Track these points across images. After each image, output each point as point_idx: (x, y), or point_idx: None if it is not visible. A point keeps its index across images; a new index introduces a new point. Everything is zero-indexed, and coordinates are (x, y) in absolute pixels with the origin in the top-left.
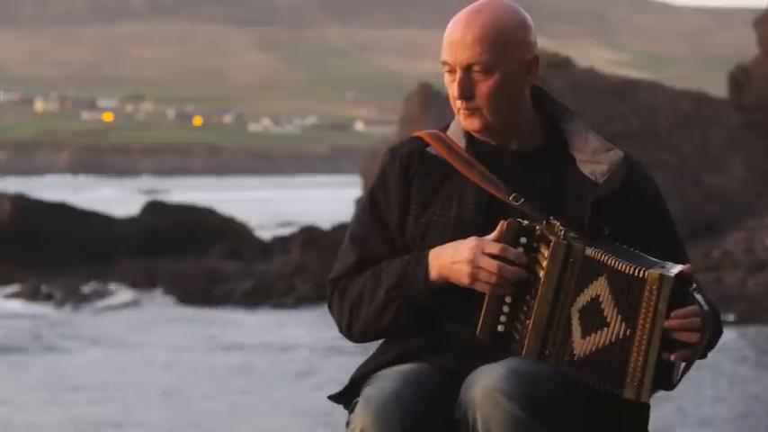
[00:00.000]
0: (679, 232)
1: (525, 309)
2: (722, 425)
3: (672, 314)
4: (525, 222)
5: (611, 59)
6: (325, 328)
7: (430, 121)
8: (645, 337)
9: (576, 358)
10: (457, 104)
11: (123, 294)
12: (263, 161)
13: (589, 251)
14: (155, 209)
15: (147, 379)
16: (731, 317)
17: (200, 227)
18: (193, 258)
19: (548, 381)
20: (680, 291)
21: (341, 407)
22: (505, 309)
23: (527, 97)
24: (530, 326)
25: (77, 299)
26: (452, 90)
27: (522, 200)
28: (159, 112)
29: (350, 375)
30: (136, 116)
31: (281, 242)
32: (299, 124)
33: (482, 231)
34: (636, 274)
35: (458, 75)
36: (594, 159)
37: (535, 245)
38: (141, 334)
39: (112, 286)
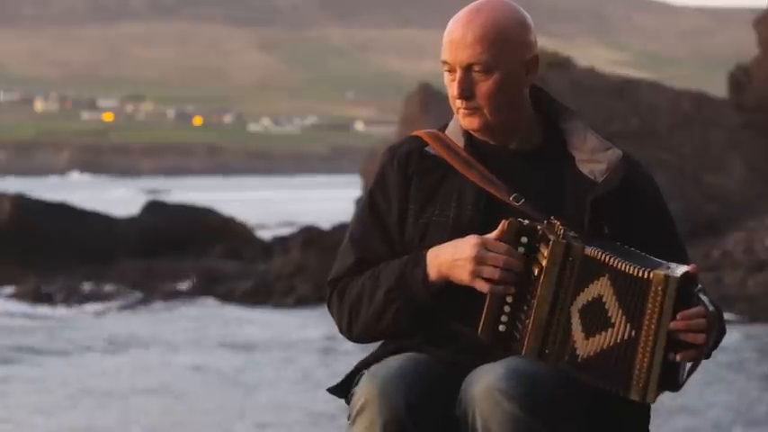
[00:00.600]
0: (679, 232)
1: (526, 308)
2: (720, 424)
3: (678, 315)
4: (526, 222)
5: (611, 59)
6: (325, 328)
7: (430, 120)
8: (650, 338)
9: (579, 359)
10: (457, 104)
11: (123, 295)
12: (263, 161)
13: (589, 250)
14: (155, 209)
15: (148, 379)
16: (731, 317)
17: (200, 227)
18: (193, 258)
19: (547, 380)
20: (685, 291)
21: (341, 407)
22: (506, 308)
23: (527, 97)
24: (529, 325)
25: (77, 299)
26: (452, 89)
27: (523, 200)
28: (159, 112)
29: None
30: (136, 116)
31: (281, 242)
32: (299, 124)
33: (481, 231)
34: (640, 274)
35: (458, 74)
36: (593, 158)
37: (536, 244)
38: (141, 334)
39: (112, 286)
